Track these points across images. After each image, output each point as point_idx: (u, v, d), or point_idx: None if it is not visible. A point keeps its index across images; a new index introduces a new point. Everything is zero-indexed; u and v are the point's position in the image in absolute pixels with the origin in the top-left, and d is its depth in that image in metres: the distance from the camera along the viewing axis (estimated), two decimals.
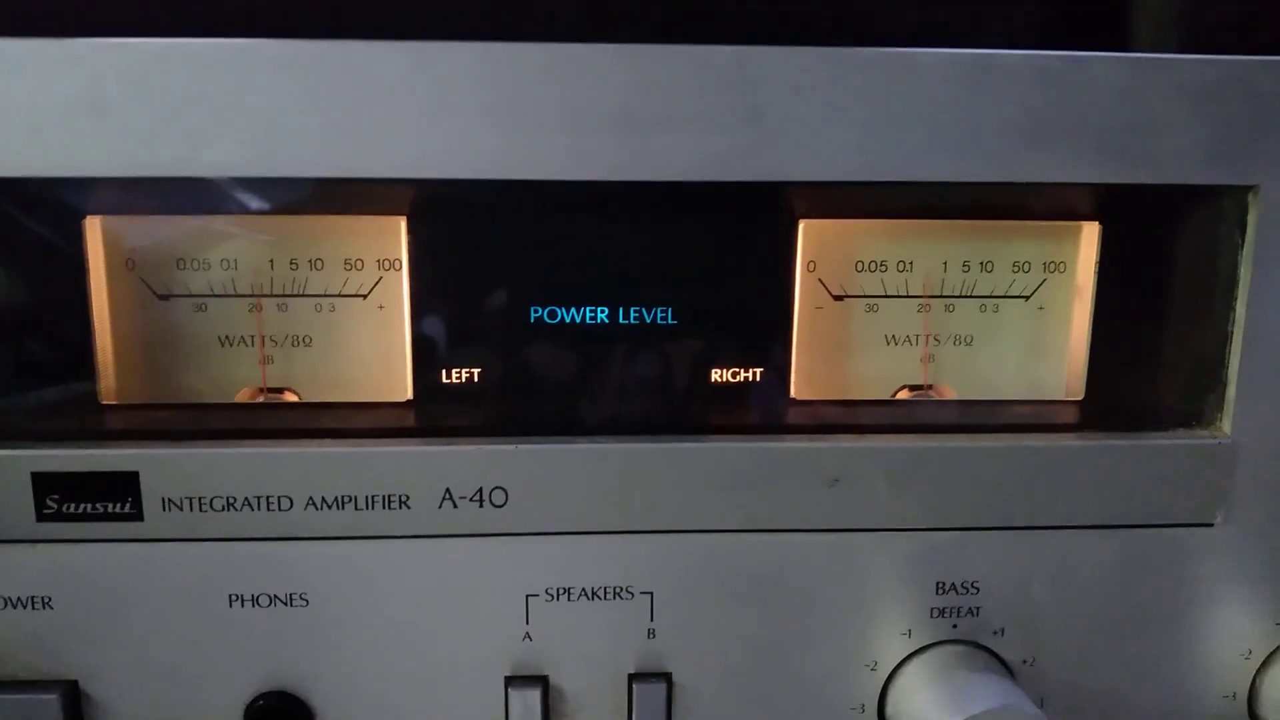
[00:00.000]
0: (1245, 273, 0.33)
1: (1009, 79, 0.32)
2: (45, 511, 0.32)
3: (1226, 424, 0.34)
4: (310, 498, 0.33)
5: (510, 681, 0.35)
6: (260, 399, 0.36)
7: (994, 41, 0.32)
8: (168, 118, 0.31)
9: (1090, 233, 0.36)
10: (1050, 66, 0.32)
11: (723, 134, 0.32)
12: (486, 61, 0.31)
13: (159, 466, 0.32)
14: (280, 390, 0.36)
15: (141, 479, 0.32)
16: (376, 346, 0.36)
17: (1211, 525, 0.35)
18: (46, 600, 0.33)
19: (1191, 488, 0.35)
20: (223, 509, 0.33)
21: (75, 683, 0.34)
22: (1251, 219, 0.33)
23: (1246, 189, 0.33)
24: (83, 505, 0.32)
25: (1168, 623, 0.36)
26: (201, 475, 0.32)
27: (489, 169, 0.32)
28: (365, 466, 0.33)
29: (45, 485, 0.32)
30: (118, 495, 0.32)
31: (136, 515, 0.33)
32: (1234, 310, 0.34)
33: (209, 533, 0.33)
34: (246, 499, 0.33)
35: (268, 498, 0.33)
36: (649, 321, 0.35)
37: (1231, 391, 0.34)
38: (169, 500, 0.32)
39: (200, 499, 0.32)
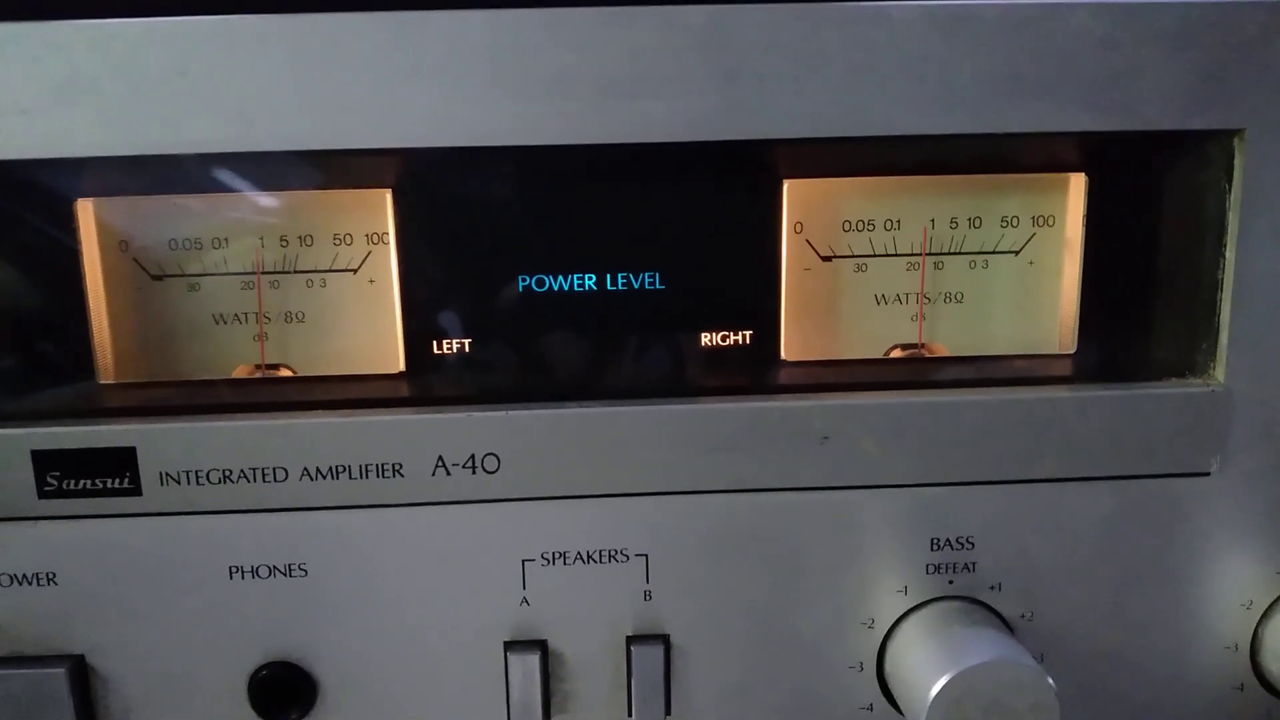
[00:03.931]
0: (1233, 218, 0.33)
1: (987, 30, 0.32)
2: (46, 489, 0.33)
3: (1220, 372, 0.34)
4: (305, 469, 0.33)
5: (509, 646, 0.35)
6: (256, 375, 0.36)
7: None
8: (152, 97, 0.31)
9: (1077, 184, 0.36)
10: (1028, 16, 0.32)
11: (701, 94, 0.32)
12: (464, 30, 0.31)
13: (156, 441, 0.33)
14: (275, 366, 0.37)
15: (139, 454, 0.33)
16: (368, 320, 0.36)
17: (1208, 474, 0.35)
18: (51, 576, 0.34)
19: (1186, 437, 0.34)
20: (220, 482, 0.33)
21: (82, 657, 0.35)
22: (1238, 163, 0.33)
23: (1232, 133, 0.33)
24: (82, 481, 0.33)
25: (1166, 574, 0.35)
26: (198, 449, 0.33)
27: (471, 137, 0.32)
28: (359, 436, 0.33)
29: (46, 463, 0.33)
30: (116, 471, 0.33)
31: (135, 490, 0.33)
32: (1224, 257, 0.34)
33: (207, 506, 0.33)
34: (243, 471, 0.33)
35: (264, 470, 0.33)
36: (637, 287, 0.35)
37: (1224, 339, 0.34)
38: (166, 474, 0.33)
39: (197, 472, 0.33)
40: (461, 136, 0.32)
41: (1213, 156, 0.33)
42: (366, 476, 0.33)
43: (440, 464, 0.33)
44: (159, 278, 0.36)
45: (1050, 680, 0.31)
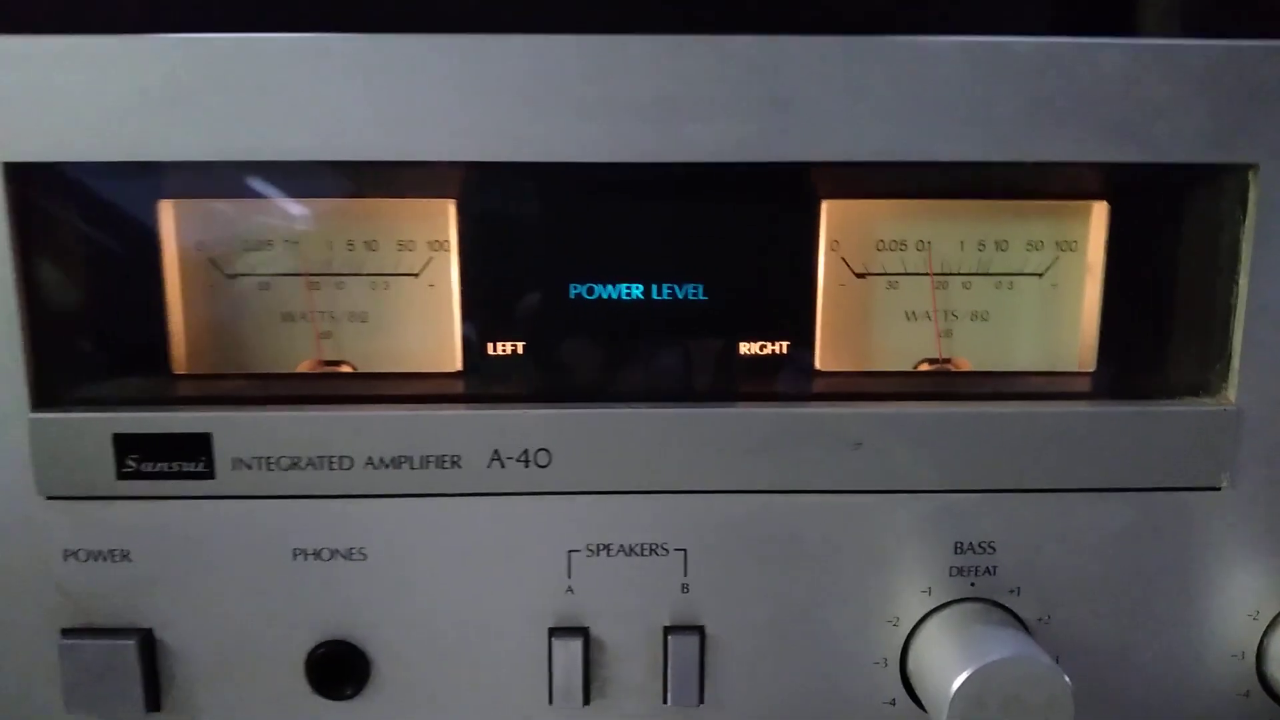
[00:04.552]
0: (1247, 248, 0.35)
1: (1020, 64, 0.34)
2: (125, 470, 0.35)
3: (1232, 393, 0.36)
4: (369, 457, 0.35)
5: (554, 633, 0.37)
6: (319, 371, 0.38)
7: (1006, 31, 0.34)
8: (238, 107, 0.33)
9: (1100, 212, 0.38)
10: (1059, 52, 0.34)
11: (749, 118, 0.34)
12: (530, 53, 0.33)
13: (231, 428, 0.35)
14: (337, 363, 0.39)
15: (214, 440, 0.35)
16: (427, 322, 0.38)
17: (1219, 489, 0.37)
18: (125, 553, 0.36)
19: (1199, 453, 0.36)
20: (289, 468, 0.35)
21: (150, 630, 0.37)
22: (1252, 196, 0.35)
23: (1247, 167, 0.35)
24: (160, 464, 0.35)
25: (1177, 584, 0.37)
26: (270, 436, 0.35)
27: (533, 153, 0.34)
28: (420, 429, 0.35)
29: (125, 446, 0.35)
30: (192, 455, 0.35)
31: (209, 474, 0.35)
32: (1237, 284, 0.36)
33: (276, 490, 0.35)
34: (311, 459, 0.35)
35: (330, 458, 0.35)
36: (681, 298, 0.38)
37: (1236, 362, 0.36)
38: (239, 460, 0.35)
39: (268, 459, 0.35)
40: (523, 152, 0.34)
41: (1228, 189, 0.35)
42: (426, 467, 0.35)
43: (495, 457, 0.35)
44: (232, 276, 0.38)
45: (1066, 677, 0.33)
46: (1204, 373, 0.37)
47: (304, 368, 0.39)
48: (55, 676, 0.36)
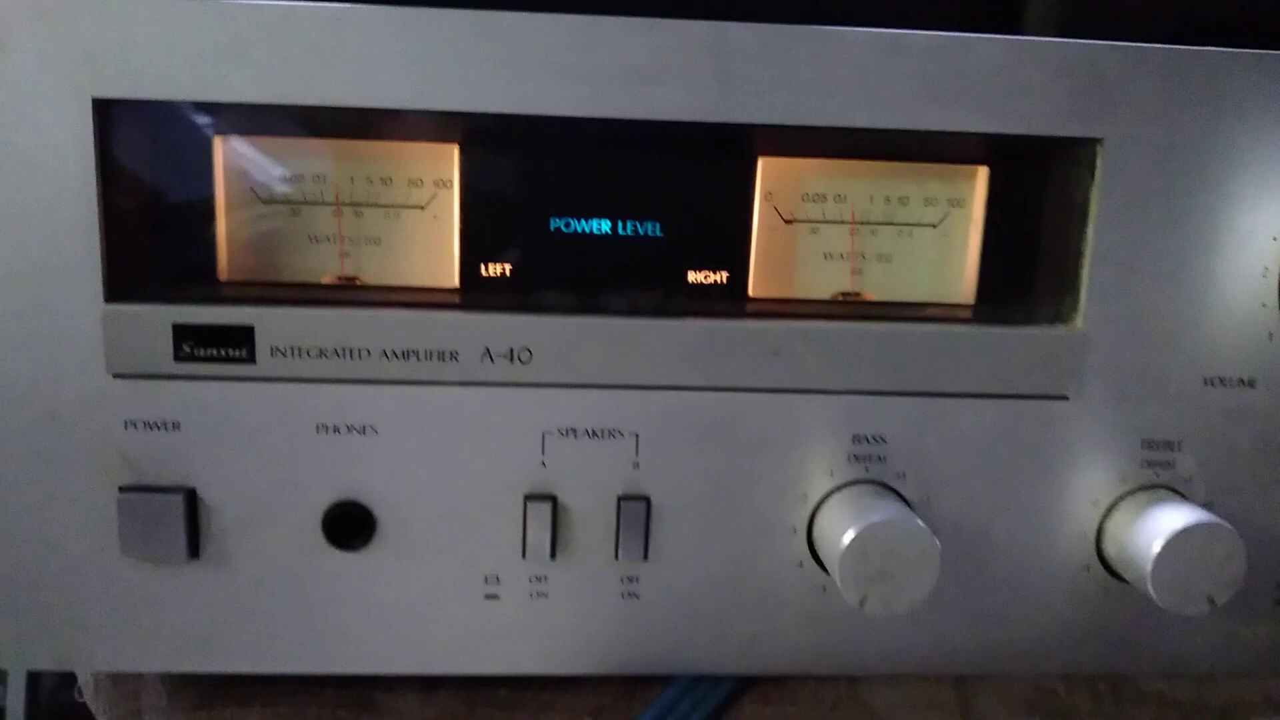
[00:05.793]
0: (1094, 205, 0.44)
1: (917, 52, 0.42)
2: (181, 354, 0.43)
3: (1079, 321, 0.45)
4: (384, 350, 0.43)
5: (528, 499, 0.45)
6: (340, 283, 0.46)
7: (916, 25, 0.43)
8: (286, 61, 0.41)
9: (982, 175, 0.46)
10: (948, 45, 0.42)
11: (702, 87, 0.42)
12: (527, 28, 0.41)
13: (271, 322, 0.43)
14: (353, 278, 0.47)
15: (257, 331, 0.43)
16: (430, 247, 0.46)
17: (1067, 399, 0.45)
18: (176, 424, 0.44)
19: (1052, 369, 0.45)
20: (317, 356, 0.43)
21: (194, 490, 0.44)
22: (1099, 164, 0.44)
23: (1095, 141, 0.44)
24: (210, 350, 0.43)
25: (1033, 474, 0.46)
26: (303, 330, 0.43)
27: (525, 107, 0.42)
28: (426, 328, 0.43)
29: (182, 334, 0.43)
30: (238, 343, 0.43)
31: (250, 359, 0.43)
32: (1086, 233, 0.44)
33: (305, 374, 0.43)
34: (335, 350, 0.43)
35: (351, 349, 0.43)
36: (641, 234, 0.46)
37: (1083, 295, 0.45)
38: (276, 349, 0.43)
39: (300, 348, 0.43)
40: (518, 106, 0.42)
41: (1081, 158, 0.44)
42: (430, 359, 0.43)
43: (487, 353, 0.43)
44: (268, 202, 0.46)
45: (935, 537, 0.42)
46: (1058, 304, 0.46)
47: (326, 281, 0.46)
48: (113, 526, 0.44)
